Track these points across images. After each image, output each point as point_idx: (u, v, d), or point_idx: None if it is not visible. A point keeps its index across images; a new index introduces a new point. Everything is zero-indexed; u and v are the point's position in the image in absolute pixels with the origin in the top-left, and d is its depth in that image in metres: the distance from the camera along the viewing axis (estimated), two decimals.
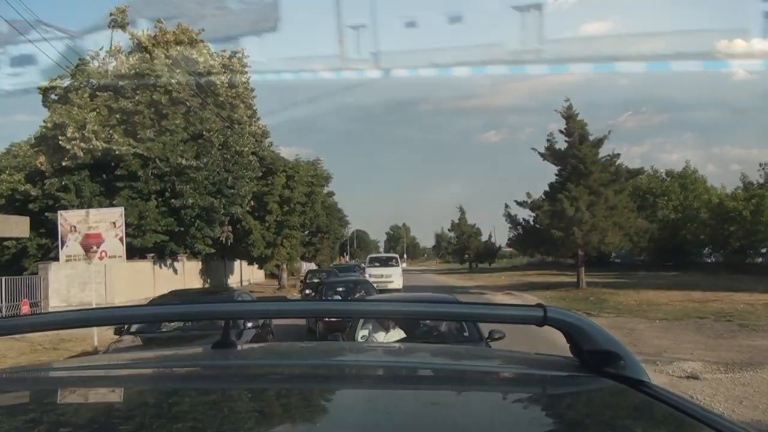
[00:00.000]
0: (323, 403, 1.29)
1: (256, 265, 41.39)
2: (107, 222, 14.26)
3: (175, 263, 30.51)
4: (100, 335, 13.23)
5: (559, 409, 1.27)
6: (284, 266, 39.75)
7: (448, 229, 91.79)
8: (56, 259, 25.71)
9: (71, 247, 14.28)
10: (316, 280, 25.12)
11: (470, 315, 1.47)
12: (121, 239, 14.29)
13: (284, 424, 1.12)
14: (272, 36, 31.08)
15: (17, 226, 22.44)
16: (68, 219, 14.49)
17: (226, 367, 1.59)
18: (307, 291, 23.87)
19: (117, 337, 10.59)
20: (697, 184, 55.25)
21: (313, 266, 58.73)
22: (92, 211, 15.34)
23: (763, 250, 45.71)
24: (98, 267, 21.76)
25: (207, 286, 32.62)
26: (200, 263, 33.94)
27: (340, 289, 17.39)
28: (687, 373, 10.54)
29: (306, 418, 1.16)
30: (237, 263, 41.45)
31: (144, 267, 27.86)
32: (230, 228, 32.14)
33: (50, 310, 22.02)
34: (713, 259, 50.80)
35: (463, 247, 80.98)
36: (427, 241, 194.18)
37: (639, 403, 1.19)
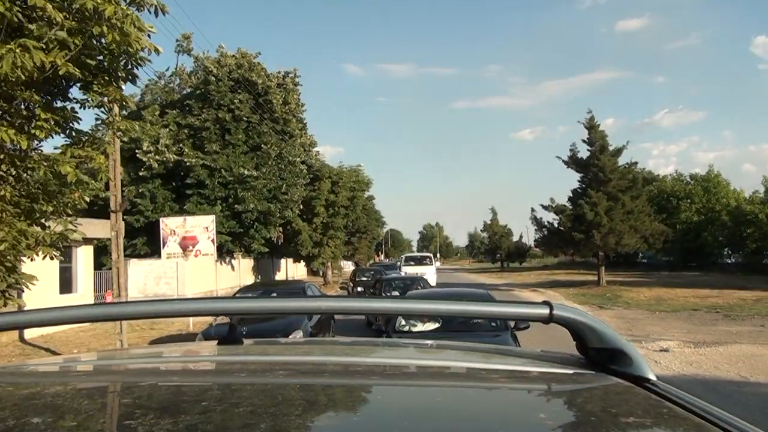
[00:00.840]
0: (324, 399, 1.28)
1: (301, 263, 44.88)
2: (201, 227, 17.67)
3: (233, 260, 34.11)
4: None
5: (563, 406, 1.27)
6: (329, 264, 43.14)
7: (481, 230, 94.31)
8: (132, 256, 29.54)
9: (171, 247, 17.68)
10: (364, 278, 27.77)
11: (481, 313, 1.45)
12: (212, 240, 17.70)
13: (283, 420, 1.09)
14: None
15: (100, 228, 26.10)
16: (168, 224, 17.91)
17: (230, 363, 1.63)
18: (359, 289, 26.13)
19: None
20: (720, 187, 57.02)
21: (350, 264, 62.23)
22: (189, 218, 18.74)
23: None
24: (171, 263, 25.42)
25: (259, 280, 36.20)
26: (252, 261, 37.47)
27: (399, 284, 19.24)
28: (661, 348, 13.58)
29: (304, 415, 1.14)
30: (283, 261, 45.07)
31: (207, 263, 31.40)
32: (281, 229, 35.60)
33: (129, 300, 25.42)
34: (732, 260, 52.91)
35: (495, 247, 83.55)
36: (460, 241, 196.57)
37: (643, 400, 1.18)
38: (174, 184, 29.87)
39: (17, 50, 6.17)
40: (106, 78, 8.05)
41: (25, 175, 8.09)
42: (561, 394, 1.32)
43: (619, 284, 33.87)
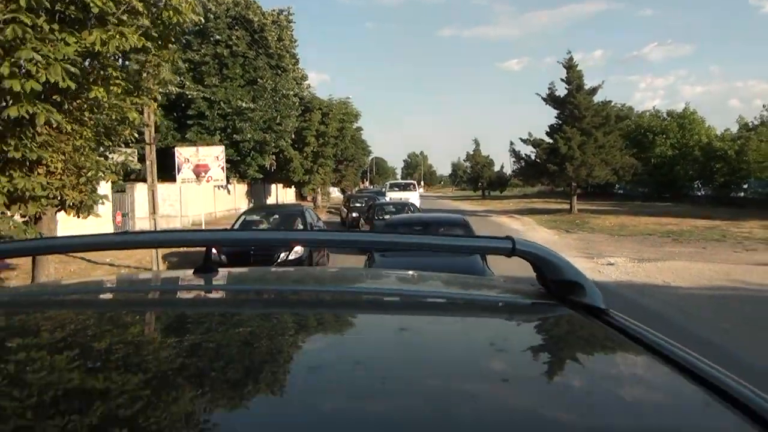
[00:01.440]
0: (289, 329, 1.29)
1: (291, 188, 47.32)
2: (212, 156, 19.87)
3: (229, 185, 36.40)
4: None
5: (516, 335, 1.30)
6: (318, 190, 45.55)
7: (464, 159, 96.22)
8: (138, 180, 31.72)
9: (185, 173, 19.87)
10: (358, 204, 29.53)
11: (448, 246, 1.49)
12: (222, 168, 19.92)
13: (254, 348, 1.11)
14: None
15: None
16: (183, 153, 20.05)
17: (206, 291, 1.66)
18: (354, 214, 27.84)
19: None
20: (695, 123, 59.53)
21: (336, 191, 64.59)
22: (201, 148, 20.86)
23: (744, 186, 50.68)
24: (174, 188, 27.67)
25: (252, 204, 38.60)
26: (246, 186, 39.77)
27: (392, 209, 21.63)
28: (609, 262, 16.17)
29: (276, 344, 1.15)
30: (273, 186, 47.43)
31: (207, 188, 33.67)
32: (274, 157, 37.78)
33: (137, 220, 27.63)
34: (703, 193, 55.80)
35: (477, 176, 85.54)
36: (443, 170, 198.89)
37: (593, 330, 1.23)
38: (176, 114, 31.80)
39: (117, 35, 8.39)
40: (160, 43, 10.27)
41: (98, 117, 10.35)
42: (516, 324, 1.37)
43: (590, 212, 36.44)
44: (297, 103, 35.88)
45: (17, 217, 9.33)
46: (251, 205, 37.97)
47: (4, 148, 8.63)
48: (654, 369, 1.06)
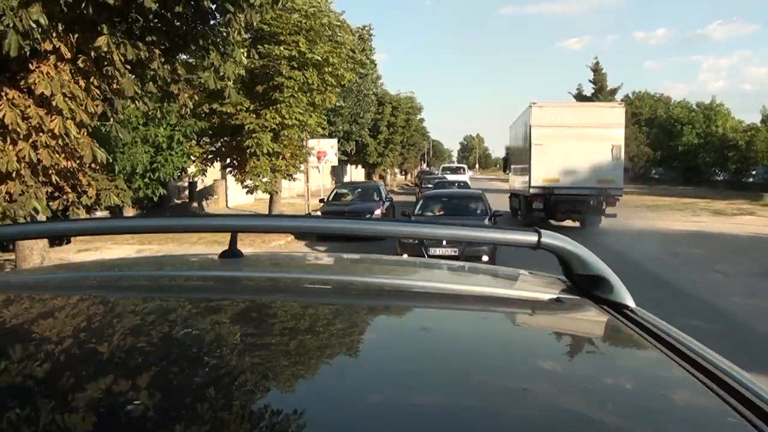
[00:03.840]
0: (319, 317, 1.30)
1: (359, 168, 56.90)
2: (329, 145, 29.18)
3: (319, 166, 46.08)
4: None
5: (534, 331, 1.33)
6: (387, 170, 55.04)
7: None
8: None
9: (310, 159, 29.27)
10: (430, 185, 35.54)
11: (470, 237, 1.46)
12: (335, 154, 29.29)
13: (277, 336, 1.13)
14: None
15: None
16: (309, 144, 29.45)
17: (231, 279, 1.64)
18: (429, 185, 34.13)
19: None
20: (719, 115, 66.77)
21: (397, 172, 73.99)
22: (321, 140, 30.16)
23: (753, 172, 58.39)
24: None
25: (335, 181, 48.18)
26: (329, 167, 49.43)
27: (453, 185, 29.56)
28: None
29: (299, 332, 1.16)
30: (349, 167, 57.02)
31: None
32: (354, 144, 47.19)
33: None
34: (721, 178, 63.38)
35: None
36: (499, 152, 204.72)
37: (615, 329, 1.22)
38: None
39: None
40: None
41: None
42: (536, 321, 1.37)
43: None
44: (374, 100, 45.18)
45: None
46: (334, 182, 47.50)
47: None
48: (670, 372, 1.02)
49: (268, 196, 22.13)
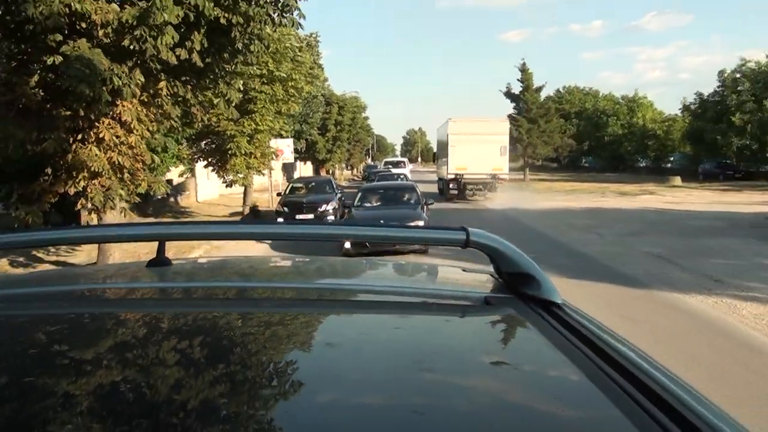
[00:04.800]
0: (245, 326, 1.27)
1: (307, 164, 60.79)
2: (285, 145, 32.93)
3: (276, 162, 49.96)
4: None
5: (463, 332, 1.30)
6: (336, 165, 59.12)
7: None
8: None
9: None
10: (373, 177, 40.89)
11: (402, 238, 1.51)
12: (291, 152, 33.13)
13: (208, 347, 1.09)
14: None
15: None
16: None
17: (160, 289, 1.60)
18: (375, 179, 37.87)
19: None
20: (641, 107, 72.51)
21: (343, 167, 78.08)
22: (279, 140, 33.94)
23: (671, 158, 64.25)
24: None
25: (286, 176, 52.00)
26: (281, 163, 53.26)
27: (394, 178, 33.83)
28: (511, 207, 29.35)
29: (228, 342, 1.13)
30: (298, 164, 60.87)
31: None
32: (304, 142, 51.03)
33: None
34: (643, 164, 69.16)
35: None
36: None
37: (538, 329, 1.19)
38: None
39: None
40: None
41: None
42: (463, 324, 1.34)
43: (538, 180, 49.87)
44: (322, 101, 49.08)
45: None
46: (286, 177, 51.36)
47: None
48: (583, 372, 1.00)
49: (230, 191, 26.46)
